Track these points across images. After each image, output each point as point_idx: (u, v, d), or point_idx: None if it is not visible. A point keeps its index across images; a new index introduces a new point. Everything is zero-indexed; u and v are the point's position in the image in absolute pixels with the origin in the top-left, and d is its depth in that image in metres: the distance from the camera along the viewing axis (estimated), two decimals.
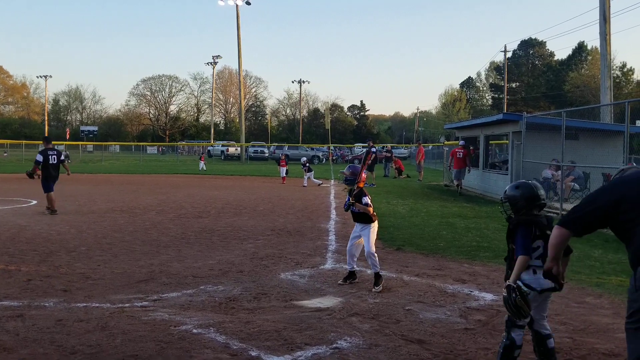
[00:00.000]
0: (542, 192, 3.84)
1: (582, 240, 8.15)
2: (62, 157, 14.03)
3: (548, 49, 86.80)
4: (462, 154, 20.60)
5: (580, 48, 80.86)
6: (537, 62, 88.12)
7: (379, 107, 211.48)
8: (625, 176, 3.05)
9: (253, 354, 4.32)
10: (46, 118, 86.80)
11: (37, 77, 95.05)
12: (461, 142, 21.84)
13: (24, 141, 54.91)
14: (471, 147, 23.45)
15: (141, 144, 68.45)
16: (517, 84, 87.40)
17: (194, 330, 4.85)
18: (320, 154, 53.93)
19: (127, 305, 5.70)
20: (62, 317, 5.20)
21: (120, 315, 5.31)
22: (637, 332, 2.73)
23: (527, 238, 3.68)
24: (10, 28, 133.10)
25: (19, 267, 7.40)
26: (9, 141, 57.21)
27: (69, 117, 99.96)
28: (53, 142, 14.67)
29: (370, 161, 21.61)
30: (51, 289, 6.33)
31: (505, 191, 3.98)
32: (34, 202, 15.69)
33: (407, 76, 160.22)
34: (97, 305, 5.69)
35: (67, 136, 73.67)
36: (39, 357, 4.21)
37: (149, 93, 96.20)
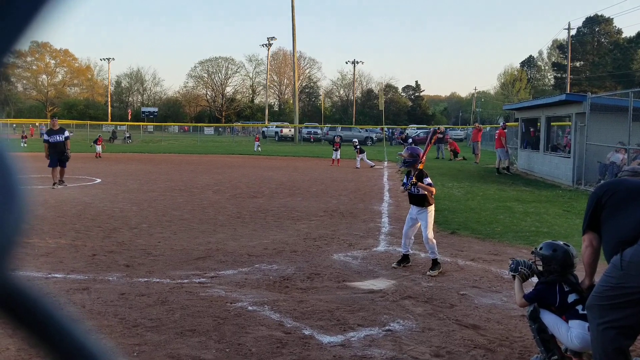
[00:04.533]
0: (576, 260, 3.82)
1: None
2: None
3: (615, 26, 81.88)
4: (497, 134, 21.30)
5: None
6: (603, 40, 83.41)
7: (435, 87, 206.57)
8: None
9: (306, 332, 4.38)
10: (109, 99, 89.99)
11: (101, 59, 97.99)
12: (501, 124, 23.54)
13: (88, 122, 57.21)
14: (531, 129, 22.73)
15: (199, 124, 69.96)
16: (582, 63, 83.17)
17: (249, 308, 4.96)
18: (373, 135, 53.34)
19: (185, 281, 5.89)
20: (125, 291, 5.44)
21: (179, 290, 5.50)
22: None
23: (538, 295, 3.81)
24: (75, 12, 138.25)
25: (84, 243, 7.78)
26: (74, 122, 59.76)
27: (130, 99, 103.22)
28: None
29: (434, 142, 22.69)
30: (114, 264, 6.63)
31: (541, 248, 3.92)
32: (98, 180, 16.41)
33: (464, 55, 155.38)
34: (157, 280, 5.91)
35: (129, 117, 76.19)
36: (104, 328, 4.42)
37: (206, 75, 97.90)
